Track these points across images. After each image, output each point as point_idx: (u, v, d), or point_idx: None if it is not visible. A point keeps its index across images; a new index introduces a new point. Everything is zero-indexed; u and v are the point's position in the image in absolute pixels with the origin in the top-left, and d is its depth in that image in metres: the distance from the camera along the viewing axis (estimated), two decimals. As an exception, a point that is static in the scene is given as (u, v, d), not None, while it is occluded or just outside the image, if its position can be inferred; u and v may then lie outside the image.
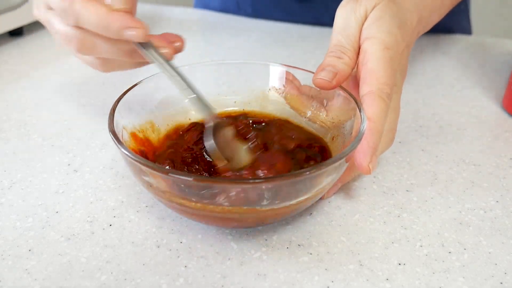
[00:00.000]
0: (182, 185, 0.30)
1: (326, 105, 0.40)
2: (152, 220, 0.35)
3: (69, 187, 0.39)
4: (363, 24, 0.37)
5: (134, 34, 0.34)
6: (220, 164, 0.35)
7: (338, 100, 0.38)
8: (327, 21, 0.76)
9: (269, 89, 0.43)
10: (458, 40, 0.72)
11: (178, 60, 0.38)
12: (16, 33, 0.70)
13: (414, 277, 0.31)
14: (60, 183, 0.39)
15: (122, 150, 0.31)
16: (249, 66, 0.44)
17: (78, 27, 0.36)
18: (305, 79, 0.42)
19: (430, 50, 0.68)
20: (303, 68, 0.42)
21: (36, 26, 0.75)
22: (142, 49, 0.36)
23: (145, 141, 0.38)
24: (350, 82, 0.39)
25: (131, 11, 0.35)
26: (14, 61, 0.63)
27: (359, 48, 0.37)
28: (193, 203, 0.30)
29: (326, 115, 0.39)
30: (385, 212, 0.37)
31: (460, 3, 0.49)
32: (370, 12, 0.37)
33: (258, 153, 0.36)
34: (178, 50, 0.39)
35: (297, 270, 0.31)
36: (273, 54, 0.67)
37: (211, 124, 0.36)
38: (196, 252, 0.33)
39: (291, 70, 0.42)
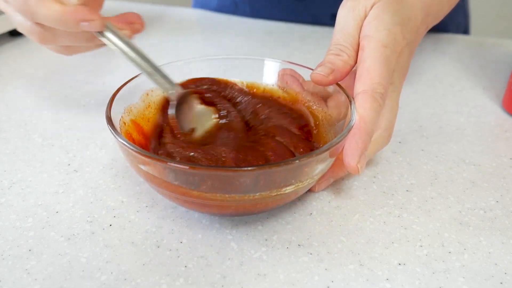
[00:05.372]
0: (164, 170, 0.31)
1: (326, 102, 0.40)
2: (152, 220, 0.35)
3: (69, 187, 0.39)
4: (362, 22, 0.37)
5: (90, 25, 0.36)
6: (183, 134, 0.37)
7: (337, 98, 0.38)
8: (325, 20, 0.76)
9: (272, 85, 0.43)
10: (458, 40, 0.72)
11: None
12: (16, 33, 0.70)
13: (414, 277, 0.31)
14: (60, 183, 0.39)
15: (112, 131, 0.32)
16: (252, 62, 0.44)
17: (37, 23, 0.37)
18: (305, 77, 0.42)
19: (429, 50, 0.68)
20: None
21: (36, 26, 0.75)
22: (101, 36, 0.37)
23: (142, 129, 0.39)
24: (351, 81, 0.39)
25: (85, 3, 0.36)
26: (14, 61, 0.63)
27: (359, 46, 0.37)
28: (173, 187, 0.31)
29: (326, 112, 0.39)
30: (385, 212, 0.37)
31: None
32: (370, 10, 0.37)
33: (220, 120, 0.38)
34: (137, 30, 0.40)
35: (297, 270, 0.31)
36: (273, 54, 0.67)
37: (175, 98, 0.37)
38: (196, 252, 0.33)
39: (293, 67, 0.42)
